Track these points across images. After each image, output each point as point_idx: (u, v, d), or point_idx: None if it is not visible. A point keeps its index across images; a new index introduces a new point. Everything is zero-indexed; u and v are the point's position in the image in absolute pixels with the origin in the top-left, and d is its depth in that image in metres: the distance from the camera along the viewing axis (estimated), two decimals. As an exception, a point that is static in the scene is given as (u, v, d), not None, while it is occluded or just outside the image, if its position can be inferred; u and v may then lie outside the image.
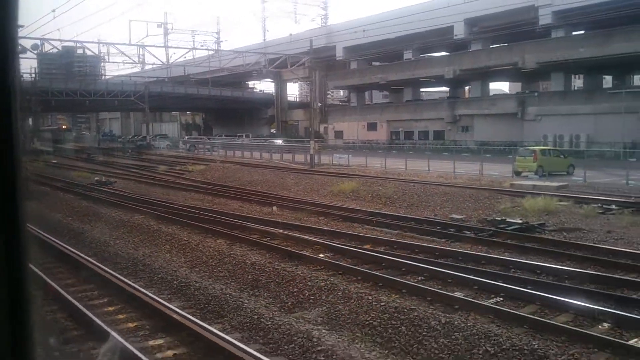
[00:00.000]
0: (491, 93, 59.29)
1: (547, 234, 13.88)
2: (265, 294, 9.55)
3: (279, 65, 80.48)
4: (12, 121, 0.96)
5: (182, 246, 12.79)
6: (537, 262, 10.90)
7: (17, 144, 0.98)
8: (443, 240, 13.54)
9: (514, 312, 7.93)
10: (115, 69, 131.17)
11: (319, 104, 76.58)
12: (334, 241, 13.00)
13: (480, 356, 6.61)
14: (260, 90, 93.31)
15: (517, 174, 27.99)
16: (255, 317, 8.19)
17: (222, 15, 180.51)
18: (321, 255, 11.88)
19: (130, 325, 7.90)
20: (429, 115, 56.38)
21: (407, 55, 61.92)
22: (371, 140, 61.08)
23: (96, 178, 28.95)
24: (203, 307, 8.87)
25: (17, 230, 0.99)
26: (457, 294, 8.81)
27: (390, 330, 7.64)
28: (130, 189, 24.70)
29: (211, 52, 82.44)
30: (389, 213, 17.09)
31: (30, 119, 59.10)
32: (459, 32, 53.23)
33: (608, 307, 8.02)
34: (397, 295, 8.91)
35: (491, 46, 54.00)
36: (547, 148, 30.84)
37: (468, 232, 14.07)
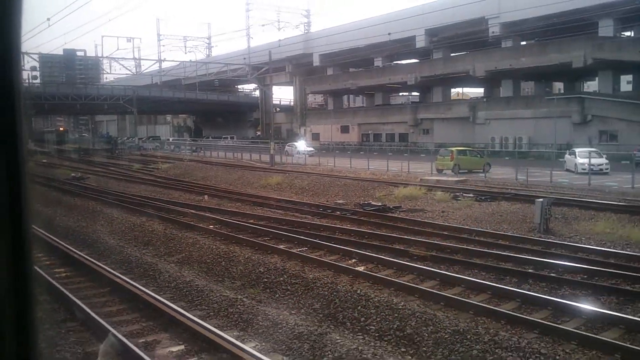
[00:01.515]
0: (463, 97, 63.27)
1: (397, 213, 17.96)
2: (151, 249, 13.68)
3: (263, 70, 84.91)
4: (17, 124, 0.99)
5: (110, 221, 16.93)
6: (370, 230, 14.93)
7: (21, 146, 0.99)
8: (315, 217, 17.64)
9: (321, 259, 11.92)
10: (115, 72, 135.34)
11: (299, 108, 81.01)
12: (230, 218, 17.08)
13: (282, 281, 10.67)
14: (249, 92, 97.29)
15: (439, 171, 32.00)
16: (139, 261, 12.29)
17: (213, 21, 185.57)
18: (211, 226, 15.98)
19: (46, 262, 12.05)
20: (394, 119, 60.47)
21: (377, 62, 66.09)
22: (344, 142, 65.09)
23: (72, 174, 33.13)
24: (102, 254, 13.02)
25: (21, 231, 1.00)
26: (321, 256, 12.10)
27: (215, 264, 11.77)
28: (97, 183, 28.80)
29: (178, 61, 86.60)
30: (292, 199, 21.23)
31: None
32: (421, 41, 57.30)
33: (390, 256, 12.13)
34: (248, 249, 13.03)
35: (452, 54, 58.10)
36: (464, 149, 34.78)
37: (338, 212, 18.17)
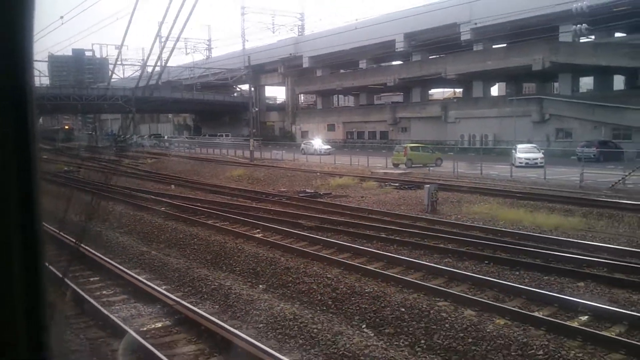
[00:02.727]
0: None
1: (325, 198, 21.29)
2: (107, 224, 17.07)
3: (257, 71, 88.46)
4: (29, 123, 0.99)
5: (80, 203, 20.35)
6: (290, 210, 18.17)
7: (33, 144, 1.00)
8: (254, 201, 21.00)
9: (231, 229, 15.28)
10: (120, 72, 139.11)
11: (290, 107, 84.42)
12: (182, 202, 20.43)
13: (192, 243, 14.03)
14: (243, 92, 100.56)
15: (395, 165, 35.29)
16: (91, 229, 15.66)
17: (213, 24, 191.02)
18: (162, 208, 19.37)
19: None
20: (376, 117, 63.74)
21: (362, 64, 69.38)
22: (330, 139, 68.32)
23: (65, 168, 36.69)
24: (63, 227, 16.46)
25: (33, 228, 1.02)
26: (235, 228, 15.60)
27: (149, 234, 15.16)
28: (85, 176, 32.24)
29: (174, 66, 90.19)
30: (243, 188, 24.62)
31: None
32: (400, 45, 60.51)
33: (288, 227, 15.47)
34: (181, 223, 16.43)
35: (430, 57, 61.27)
36: (417, 145, 38.04)
37: (275, 198, 21.53)
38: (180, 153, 56.89)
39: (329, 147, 49.57)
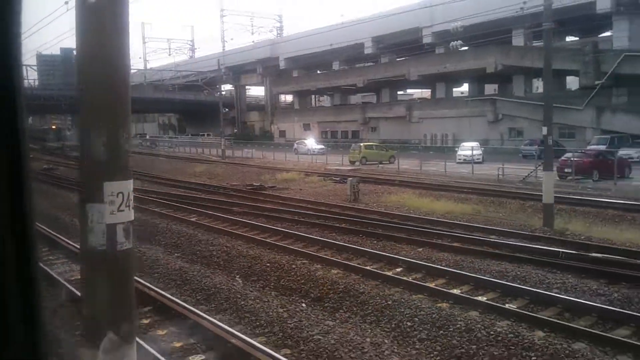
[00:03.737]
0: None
1: (268, 190, 24.05)
2: (67, 213, 19.72)
3: (237, 72, 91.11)
4: (19, 123, 1.00)
5: (48, 195, 23.03)
6: (230, 200, 20.86)
7: (24, 145, 1.00)
8: (204, 193, 23.71)
9: (171, 214, 17.99)
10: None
11: (269, 107, 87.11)
12: (139, 194, 23.01)
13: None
14: (225, 92, 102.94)
15: (352, 162, 38.11)
16: (51, 215, 18.31)
17: (196, 24, 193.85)
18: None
19: None
20: (347, 117, 66.59)
21: (335, 65, 72.22)
22: (305, 138, 71.11)
23: (44, 166, 39.20)
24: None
25: (25, 228, 1.02)
26: (175, 214, 18.57)
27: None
28: (62, 173, 34.79)
29: (155, 68, 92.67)
30: (200, 182, 27.33)
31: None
32: (369, 48, 63.40)
33: (221, 212, 18.21)
34: (141, 212, 19.12)
35: (397, 59, 64.18)
36: (371, 144, 40.98)
37: (224, 190, 24.26)
38: (158, 152, 59.44)
39: (322, 147, 49.61)
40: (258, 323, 8.04)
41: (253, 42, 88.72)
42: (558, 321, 7.70)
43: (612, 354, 6.71)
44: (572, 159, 25.02)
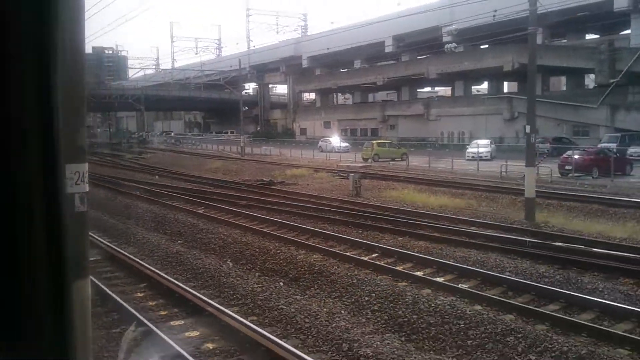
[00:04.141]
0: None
1: (277, 185, 25.26)
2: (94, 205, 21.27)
3: (261, 71, 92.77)
4: (54, 120, 1.01)
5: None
6: (238, 194, 22.11)
7: (59, 142, 1.02)
8: (215, 187, 25.03)
9: (181, 207, 19.35)
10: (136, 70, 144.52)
11: (292, 105, 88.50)
12: (156, 189, 24.53)
13: (145, 216, 18.10)
14: (249, 91, 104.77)
15: (365, 159, 39.11)
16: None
17: (223, 24, 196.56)
18: (137, 192, 23.51)
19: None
20: (367, 115, 67.48)
21: (357, 64, 73.18)
22: (326, 136, 72.24)
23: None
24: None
25: (59, 225, 1.04)
26: (184, 206, 20.00)
27: (118, 210, 19.29)
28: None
29: (176, 68, 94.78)
30: (214, 178, 28.69)
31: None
32: (389, 46, 64.20)
33: (227, 205, 19.52)
34: (145, 202, 20.54)
35: (418, 58, 64.80)
36: (384, 141, 41.83)
37: (235, 185, 25.57)
38: (181, 149, 61.23)
39: (348, 144, 49.31)
40: (234, 296, 9.24)
41: (278, 41, 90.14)
42: (496, 297, 8.70)
43: (532, 324, 7.70)
44: (572, 156, 25.56)
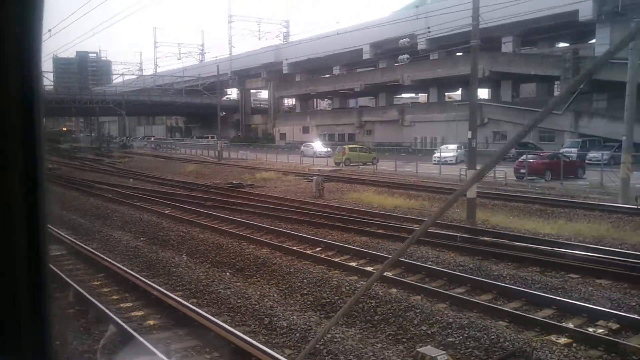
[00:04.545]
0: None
1: (245, 188, 26.29)
2: (64, 205, 22.09)
3: (243, 76, 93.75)
4: (36, 124, 1.00)
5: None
6: (206, 196, 23.09)
7: (39, 146, 1.02)
8: (186, 190, 26.00)
9: (145, 207, 20.31)
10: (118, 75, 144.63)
11: (272, 110, 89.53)
12: (128, 191, 25.43)
13: (112, 215, 19.04)
14: (230, 96, 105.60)
15: (337, 164, 40.27)
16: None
17: (207, 29, 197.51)
18: (110, 195, 24.40)
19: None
20: (344, 120, 68.79)
21: (336, 70, 74.50)
22: (304, 141, 73.37)
23: (49, 166, 41.77)
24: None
25: (38, 229, 1.03)
26: (153, 207, 20.98)
27: (90, 212, 20.19)
28: (62, 172, 37.29)
29: (158, 74, 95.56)
30: (186, 181, 29.64)
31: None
32: (366, 53, 65.60)
33: (192, 205, 20.51)
34: (115, 204, 21.46)
35: (395, 65, 66.19)
36: (355, 146, 43.10)
37: (204, 188, 26.55)
38: (160, 153, 61.95)
39: (329, 149, 49.73)
40: (181, 283, 10.30)
41: (260, 48, 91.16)
42: (412, 282, 9.85)
43: (434, 302, 8.85)
44: (526, 160, 26.93)
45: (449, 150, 38.20)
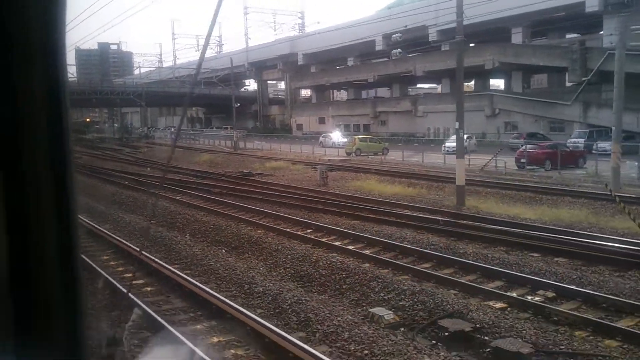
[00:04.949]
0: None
1: (255, 176, 27.52)
2: (81, 192, 23.58)
3: (259, 68, 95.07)
4: (62, 115, 1.00)
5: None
6: (215, 183, 24.37)
7: (67, 136, 1.02)
8: (198, 178, 27.33)
9: (161, 193, 21.69)
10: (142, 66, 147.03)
11: (289, 101, 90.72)
12: (144, 179, 26.84)
13: (127, 202, 20.42)
14: (245, 89, 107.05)
15: (348, 154, 41.30)
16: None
17: (224, 21, 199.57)
18: (125, 182, 25.85)
19: None
20: (359, 111, 69.64)
21: (350, 61, 75.36)
22: (320, 132, 74.45)
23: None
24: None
25: (69, 220, 1.02)
26: (177, 196, 22.36)
27: (105, 197, 21.63)
28: (84, 161, 38.97)
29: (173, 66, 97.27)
30: (201, 170, 30.99)
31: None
32: (379, 44, 66.32)
33: (202, 192, 21.84)
34: (130, 190, 22.87)
35: (408, 56, 66.85)
36: (365, 136, 44.06)
37: (215, 176, 27.87)
38: (180, 143, 63.54)
39: (347, 140, 48.61)
40: (178, 258, 11.57)
41: (275, 39, 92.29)
42: (382, 258, 10.96)
43: (398, 275, 9.95)
44: (526, 150, 27.69)
45: (451, 140, 38.89)
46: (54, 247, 1.01)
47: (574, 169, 27.77)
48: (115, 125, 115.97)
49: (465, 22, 51.99)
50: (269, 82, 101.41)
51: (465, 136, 42.03)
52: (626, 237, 12.33)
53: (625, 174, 23.63)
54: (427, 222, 14.65)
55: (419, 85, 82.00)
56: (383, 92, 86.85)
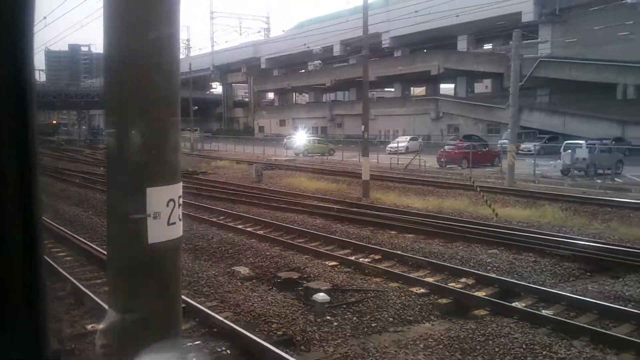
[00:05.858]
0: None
1: (199, 174, 29.92)
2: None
3: (224, 71, 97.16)
4: (29, 117, 1.00)
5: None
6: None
7: (34, 139, 1.02)
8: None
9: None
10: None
11: (252, 104, 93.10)
12: (94, 177, 28.99)
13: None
14: (210, 92, 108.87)
15: (296, 155, 43.98)
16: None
17: (192, 24, 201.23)
18: (77, 180, 28.01)
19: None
20: (317, 114, 72.54)
21: (311, 66, 78.13)
22: (281, 134, 77.00)
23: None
24: None
25: (32, 222, 1.03)
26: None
27: (77, 200, 23.84)
28: (46, 163, 40.74)
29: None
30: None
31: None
32: (337, 50, 69.26)
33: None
34: (79, 187, 25.09)
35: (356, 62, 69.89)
36: (313, 138, 46.91)
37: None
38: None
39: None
40: (83, 230, 13.99)
41: (240, 44, 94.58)
42: (270, 236, 13.58)
43: (272, 246, 12.57)
44: (445, 150, 30.74)
45: (401, 142, 41.97)
46: (17, 248, 1.03)
47: (488, 167, 30.88)
48: (83, 127, 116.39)
49: (414, 30, 55.32)
50: (238, 85, 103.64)
51: (409, 137, 45.54)
52: (474, 219, 15.20)
53: (524, 171, 26.79)
54: (326, 210, 17.31)
55: (385, 90, 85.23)
56: (346, 96, 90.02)
